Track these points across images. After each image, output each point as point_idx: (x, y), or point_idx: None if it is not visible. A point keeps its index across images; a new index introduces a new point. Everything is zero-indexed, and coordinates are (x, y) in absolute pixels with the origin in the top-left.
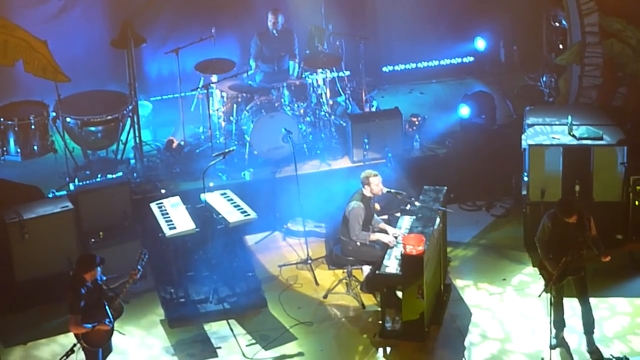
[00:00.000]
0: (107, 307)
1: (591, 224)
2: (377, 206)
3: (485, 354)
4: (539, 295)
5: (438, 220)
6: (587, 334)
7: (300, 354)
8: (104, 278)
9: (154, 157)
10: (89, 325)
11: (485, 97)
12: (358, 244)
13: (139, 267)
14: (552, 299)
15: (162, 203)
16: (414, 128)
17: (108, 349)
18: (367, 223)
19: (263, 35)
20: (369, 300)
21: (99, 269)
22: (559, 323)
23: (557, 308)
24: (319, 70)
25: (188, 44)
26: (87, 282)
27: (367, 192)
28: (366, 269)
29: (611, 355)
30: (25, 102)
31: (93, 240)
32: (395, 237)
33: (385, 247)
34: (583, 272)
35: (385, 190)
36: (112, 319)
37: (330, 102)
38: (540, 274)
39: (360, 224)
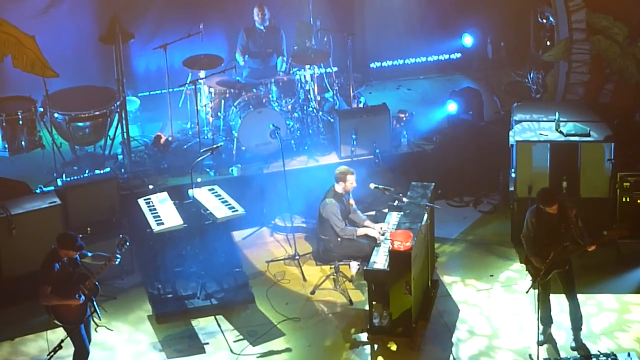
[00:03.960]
0: (93, 301)
1: (575, 216)
2: (351, 201)
3: (472, 350)
4: (527, 292)
5: (425, 216)
6: (574, 330)
7: (287, 349)
8: (89, 254)
9: (141, 152)
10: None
11: (472, 93)
12: (339, 239)
13: (117, 252)
14: (539, 295)
15: (149, 199)
16: (402, 124)
17: (87, 334)
18: (344, 218)
19: (249, 30)
20: (357, 296)
21: (77, 254)
22: (546, 319)
23: (543, 305)
24: (307, 66)
25: (176, 39)
26: (63, 258)
27: (339, 188)
28: (354, 265)
29: (598, 351)
30: (13, 98)
31: (81, 235)
32: (382, 233)
33: (372, 241)
34: (568, 266)
35: (372, 186)
36: (83, 296)
37: (318, 98)
38: (526, 270)
39: (340, 219)
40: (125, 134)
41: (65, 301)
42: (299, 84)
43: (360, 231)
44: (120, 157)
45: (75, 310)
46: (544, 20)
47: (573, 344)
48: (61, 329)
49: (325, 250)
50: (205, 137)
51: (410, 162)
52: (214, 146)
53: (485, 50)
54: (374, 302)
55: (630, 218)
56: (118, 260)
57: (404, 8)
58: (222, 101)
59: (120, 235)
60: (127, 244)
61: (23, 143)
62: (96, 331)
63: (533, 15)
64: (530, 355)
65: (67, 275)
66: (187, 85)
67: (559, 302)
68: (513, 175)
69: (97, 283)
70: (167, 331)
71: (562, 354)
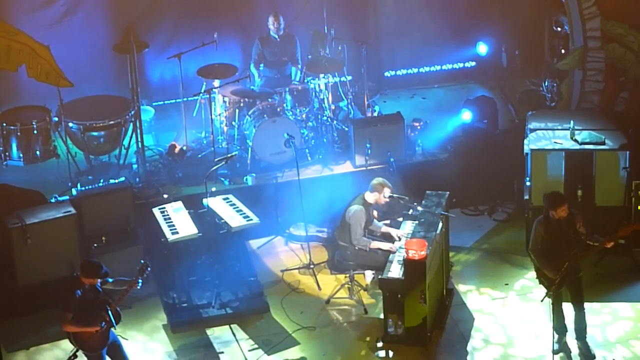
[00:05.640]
0: (107, 311)
1: (580, 221)
2: (375, 213)
3: (488, 359)
4: (542, 300)
5: (440, 225)
6: (578, 340)
7: (302, 358)
8: (110, 280)
9: (156, 162)
10: (79, 325)
11: (487, 101)
12: (356, 248)
13: (140, 279)
14: (552, 305)
15: (164, 208)
16: (416, 133)
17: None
18: (365, 229)
19: (264, 39)
20: (372, 305)
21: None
22: (560, 328)
23: (557, 314)
24: (321, 75)
25: (190, 49)
26: (85, 285)
27: (370, 198)
28: (369, 274)
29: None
30: (27, 107)
31: (95, 245)
32: (399, 239)
33: (387, 253)
34: (581, 273)
35: (387, 194)
36: (107, 323)
37: (333, 107)
38: (539, 283)
39: (362, 228)
40: (139, 143)
41: (86, 328)
42: (314, 93)
43: (374, 244)
44: (134, 166)
45: (96, 337)
46: (559, 29)
47: (584, 352)
48: None
49: (341, 258)
50: (220, 146)
51: (425, 171)
52: (229, 155)
53: (499, 58)
54: (388, 311)
55: None
56: (140, 285)
57: (419, 17)
58: (237, 110)
59: (142, 261)
60: (149, 269)
61: (38, 152)
62: None
63: (548, 23)
64: None
65: (89, 302)
66: (201, 94)
67: (573, 311)
68: (528, 183)
69: (117, 308)
70: (182, 340)
71: None
